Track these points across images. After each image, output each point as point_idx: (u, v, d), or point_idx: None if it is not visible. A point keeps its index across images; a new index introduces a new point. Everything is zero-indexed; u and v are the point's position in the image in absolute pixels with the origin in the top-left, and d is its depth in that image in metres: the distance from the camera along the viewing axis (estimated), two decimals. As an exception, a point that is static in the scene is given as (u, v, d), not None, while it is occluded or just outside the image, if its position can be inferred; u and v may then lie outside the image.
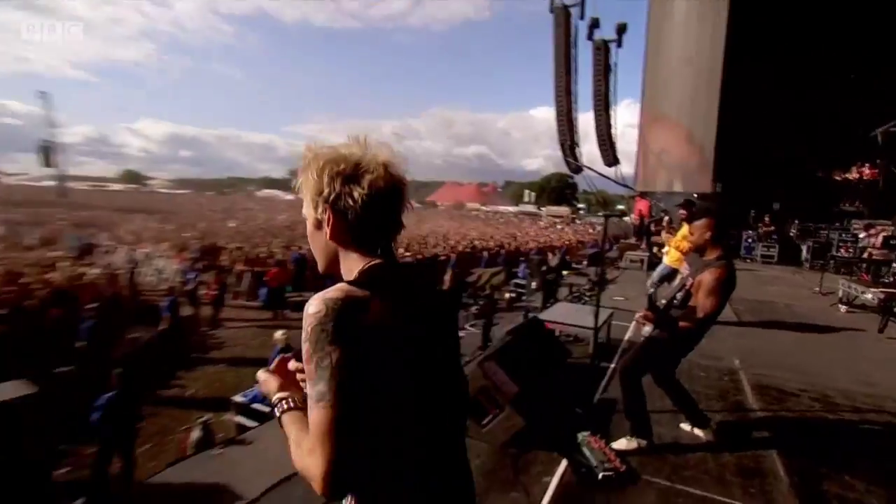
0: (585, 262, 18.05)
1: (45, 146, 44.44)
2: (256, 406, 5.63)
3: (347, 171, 0.92)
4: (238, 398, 5.93)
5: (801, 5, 13.63)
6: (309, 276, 13.94)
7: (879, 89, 13.19)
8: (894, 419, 3.62)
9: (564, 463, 2.76)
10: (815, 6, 13.49)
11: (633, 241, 17.97)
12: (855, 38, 13.46)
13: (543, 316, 4.87)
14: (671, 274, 5.97)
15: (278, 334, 7.09)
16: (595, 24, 17.84)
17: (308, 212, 0.98)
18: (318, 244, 1.00)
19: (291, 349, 6.80)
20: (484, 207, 73.61)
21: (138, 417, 5.65)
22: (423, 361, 0.93)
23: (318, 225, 0.97)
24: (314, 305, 0.83)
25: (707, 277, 2.82)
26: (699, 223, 3.01)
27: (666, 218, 9.42)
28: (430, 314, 1.00)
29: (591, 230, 39.30)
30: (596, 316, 4.19)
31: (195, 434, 5.07)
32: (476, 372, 2.87)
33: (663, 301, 3.08)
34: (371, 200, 0.91)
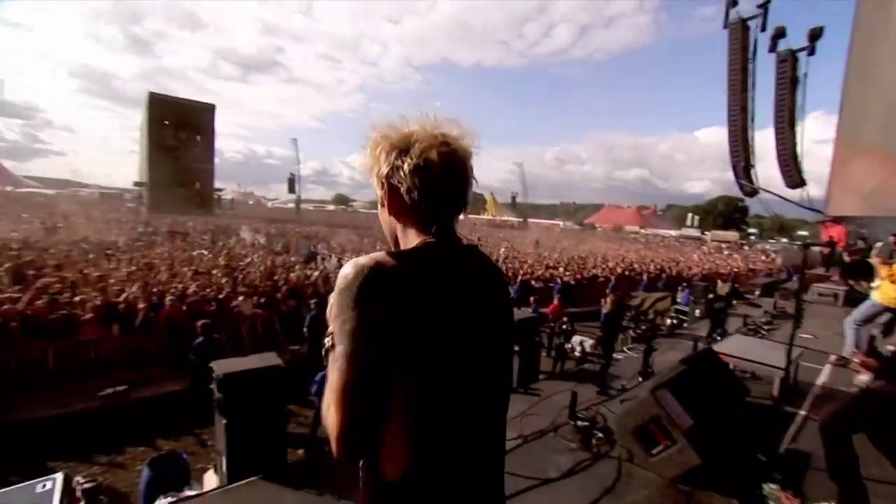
0: (758, 293, 15.13)
1: (290, 178, 55.41)
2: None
3: (399, 145, 0.84)
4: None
5: None
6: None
7: None
8: None
9: (746, 515, 2.30)
10: None
11: (820, 271, 14.48)
12: None
13: (718, 347, 4.17)
14: (882, 313, 4.58)
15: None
16: (780, 33, 15.05)
17: (376, 192, 0.92)
18: (383, 223, 0.94)
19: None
20: (643, 231, 67.51)
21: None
22: (454, 345, 0.80)
23: (382, 202, 0.91)
24: (347, 268, 0.78)
25: None
26: None
27: (878, 244, 7.31)
28: (477, 299, 0.85)
29: (763, 257, 32.85)
30: (788, 354, 3.44)
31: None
32: (648, 399, 2.58)
33: (890, 347, 2.36)
34: (421, 172, 0.82)
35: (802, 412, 3.57)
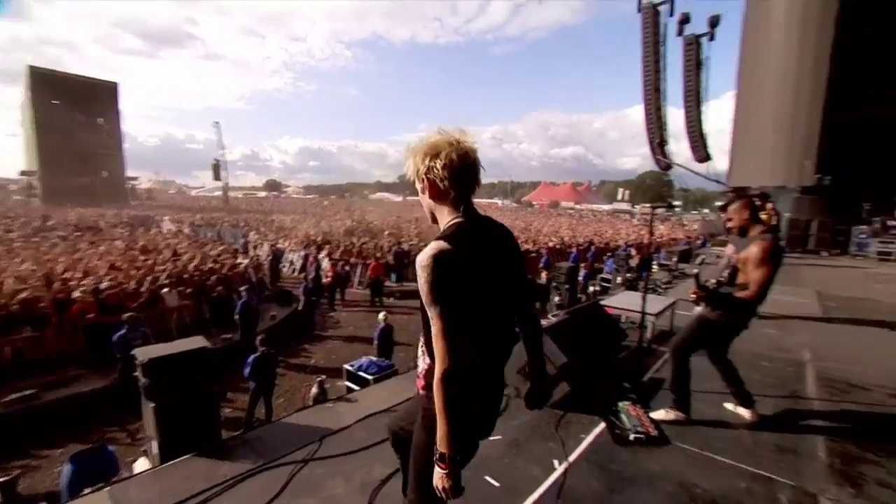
0: (675, 259, 16.91)
1: (215, 164, 52.18)
2: (361, 374, 6.39)
3: (430, 152, 1.30)
4: (348, 366, 6.73)
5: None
6: (409, 268, 14.94)
7: None
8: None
9: (602, 425, 2.95)
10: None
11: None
12: None
13: (606, 302, 4.94)
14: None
15: (381, 316, 7.91)
16: (685, 19, 16.56)
17: (417, 185, 1.38)
18: (424, 206, 1.41)
19: (391, 327, 7.44)
20: (578, 206, 71.41)
21: (275, 375, 6.76)
22: (491, 281, 1.30)
23: (422, 191, 1.37)
24: (424, 260, 1.21)
25: (754, 250, 2.74)
26: (735, 206, 2.96)
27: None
28: (498, 250, 1.37)
29: (686, 227, 36.29)
30: (643, 300, 4.23)
31: (314, 390, 5.96)
32: None
33: (712, 280, 3.03)
34: (449, 166, 1.27)
35: (665, 348, 4.37)
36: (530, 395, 1.62)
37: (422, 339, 1.37)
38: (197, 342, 4.26)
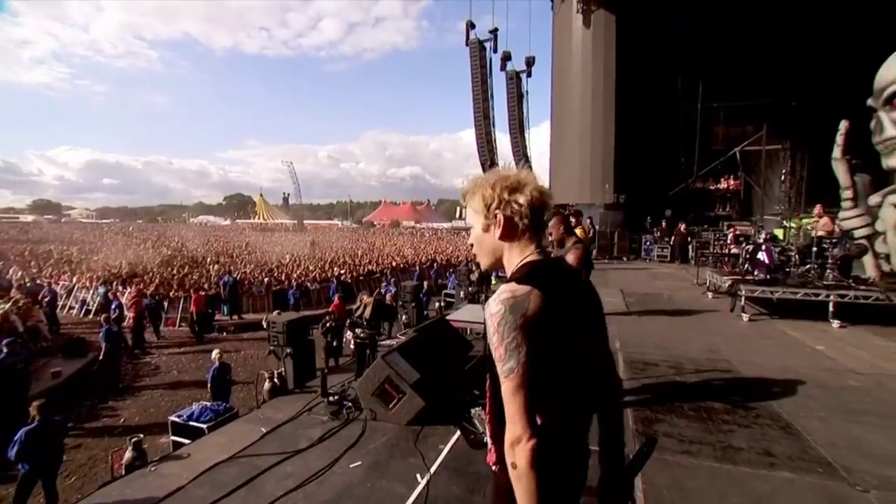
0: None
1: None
2: (193, 423, 5.58)
3: (513, 185, 1.17)
4: (174, 418, 5.83)
5: (672, 46, 15.51)
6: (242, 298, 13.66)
7: (737, 114, 15.41)
8: (721, 374, 4.42)
9: (458, 433, 3.18)
10: (681, 45, 15.40)
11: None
12: (716, 69, 15.47)
13: (451, 316, 5.33)
14: None
15: (214, 354, 7.06)
16: (507, 57, 19.11)
17: (476, 220, 1.23)
18: (485, 245, 1.24)
19: (227, 365, 6.69)
20: (418, 225, 74.74)
21: (61, 448, 5.42)
22: (573, 337, 1.10)
23: (487, 229, 1.21)
24: (494, 306, 1.05)
25: (570, 258, 3.37)
26: (553, 222, 3.59)
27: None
28: (581, 298, 1.20)
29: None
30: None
31: (127, 454, 4.97)
32: (380, 364, 3.22)
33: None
34: (531, 205, 1.16)
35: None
36: (610, 497, 1.32)
37: (487, 404, 1.19)
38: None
